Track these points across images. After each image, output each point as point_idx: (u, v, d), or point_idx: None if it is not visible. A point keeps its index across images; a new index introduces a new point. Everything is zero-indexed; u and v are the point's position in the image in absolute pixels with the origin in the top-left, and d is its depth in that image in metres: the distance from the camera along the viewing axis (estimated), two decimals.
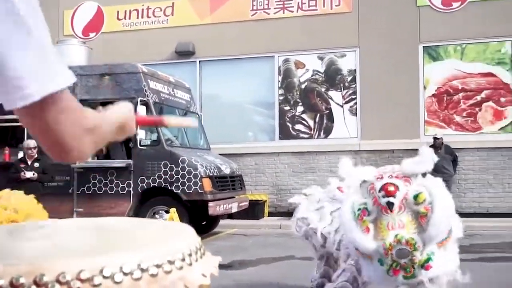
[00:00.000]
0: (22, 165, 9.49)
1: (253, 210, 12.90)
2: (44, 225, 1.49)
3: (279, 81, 14.18)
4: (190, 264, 1.17)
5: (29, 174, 9.25)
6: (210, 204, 9.82)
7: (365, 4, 13.49)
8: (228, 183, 10.74)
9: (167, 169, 9.93)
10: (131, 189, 10.02)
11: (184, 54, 14.67)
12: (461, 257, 8.19)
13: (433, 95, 13.30)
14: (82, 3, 15.60)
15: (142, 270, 1.07)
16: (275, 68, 14.21)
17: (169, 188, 9.89)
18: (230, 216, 12.52)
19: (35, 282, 0.98)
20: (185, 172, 9.86)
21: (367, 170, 4.11)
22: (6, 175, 9.33)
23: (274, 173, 13.81)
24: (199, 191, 9.82)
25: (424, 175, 4.03)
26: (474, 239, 10.08)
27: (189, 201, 9.93)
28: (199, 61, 14.71)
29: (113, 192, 9.92)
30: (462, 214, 12.94)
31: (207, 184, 9.92)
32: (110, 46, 14.53)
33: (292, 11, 14.03)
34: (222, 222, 11.81)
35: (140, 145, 10.03)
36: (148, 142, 10.25)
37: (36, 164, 9.52)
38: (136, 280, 1.05)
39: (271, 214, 13.62)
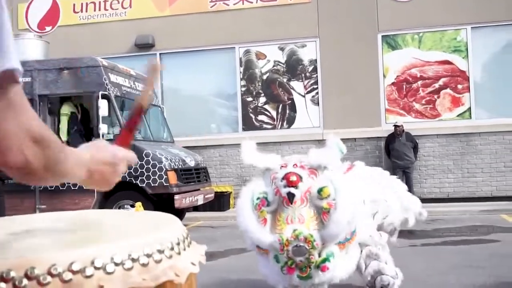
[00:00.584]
0: None
1: (219, 202, 12.88)
2: (25, 220, 1.47)
3: (240, 72, 14.17)
4: (179, 253, 1.17)
5: None
6: (176, 197, 9.77)
7: None
8: (193, 176, 10.70)
9: None
10: None
11: (144, 46, 14.51)
12: (424, 241, 8.38)
13: (393, 83, 13.49)
14: None
15: (133, 260, 1.06)
16: (236, 59, 14.18)
17: (134, 182, 9.80)
18: (196, 208, 12.47)
19: (26, 275, 0.97)
20: (149, 166, 9.78)
21: (271, 157, 3.84)
22: None
23: (238, 164, 13.81)
24: (165, 184, 9.76)
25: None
26: (436, 224, 10.29)
27: (154, 195, 9.86)
28: (159, 53, 14.57)
29: (76, 188, 9.77)
30: (424, 200, 13.20)
31: (172, 177, 9.87)
32: (68, 40, 14.26)
33: (251, 2, 14.01)
34: (188, 215, 11.78)
35: (103, 139, 9.89)
36: (111, 136, 10.10)
37: None
38: (127, 270, 1.05)
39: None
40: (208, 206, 12.48)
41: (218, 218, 12.21)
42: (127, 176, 9.81)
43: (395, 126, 12.53)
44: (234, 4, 14.15)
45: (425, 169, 13.12)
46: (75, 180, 1.22)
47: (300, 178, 3.54)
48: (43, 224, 1.40)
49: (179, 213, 11.09)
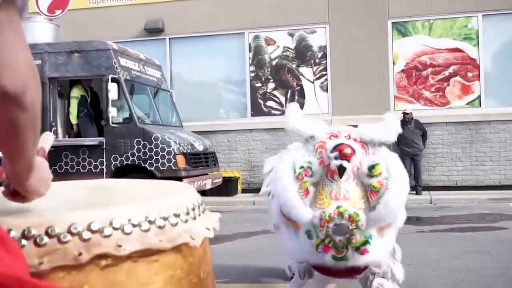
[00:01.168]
0: None
1: (226, 187, 12.94)
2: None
3: (249, 58, 14.14)
4: (194, 218, 1.20)
5: None
6: (184, 180, 9.79)
7: None
8: (201, 160, 10.74)
9: (140, 146, 9.89)
10: (104, 167, 9.95)
11: (154, 31, 14.50)
12: (432, 228, 8.39)
13: (402, 70, 13.43)
14: None
15: (150, 222, 1.09)
16: (246, 45, 14.15)
17: (143, 165, 9.85)
18: (204, 193, 12.53)
19: (46, 233, 1.00)
20: (158, 149, 9.82)
21: (318, 124, 3.49)
22: None
23: (246, 150, 13.84)
24: (173, 168, 9.81)
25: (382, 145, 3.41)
26: (444, 211, 10.30)
27: (163, 178, 9.90)
28: (169, 38, 14.56)
29: (85, 170, 9.84)
30: (432, 187, 13.18)
31: (181, 161, 9.91)
32: (78, 24, 14.27)
33: None
34: None
35: (112, 123, 9.95)
36: (120, 120, 10.16)
37: None
38: (144, 231, 1.08)
39: (244, 190, 13.67)
40: (216, 191, 12.54)
41: (226, 203, 12.26)
42: (136, 160, 9.86)
43: (404, 113, 12.49)
44: None
45: (434, 157, 13.09)
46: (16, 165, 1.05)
47: (354, 151, 3.22)
48: (65, 189, 1.43)
49: None
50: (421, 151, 12.61)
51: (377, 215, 3.11)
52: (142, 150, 9.88)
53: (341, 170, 3.15)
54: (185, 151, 10.11)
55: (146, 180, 1.56)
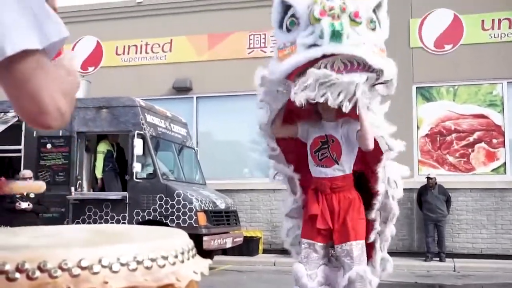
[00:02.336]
0: (18, 195, 9.52)
1: (248, 247, 12.89)
2: (46, 228, 1.58)
3: None
4: (182, 261, 1.26)
5: (24, 205, 9.27)
6: (205, 238, 9.84)
7: None
8: (223, 218, 10.78)
9: (162, 202, 9.99)
10: (126, 221, 10.04)
11: (182, 89, 14.86)
12: None
13: (427, 135, 13.46)
14: (82, 38, 15.84)
15: (138, 262, 1.15)
16: None
17: (164, 221, 9.92)
18: (224, 252, 12.51)
19: (39, 268, 1.07)
20: (180, 206, 9.91)
21: None
22: (2, 205, 9.36)
23: (269, 210, 13.84)
24: (194, 225, 9.86)
25: None
26: (468, 279, 10.11)
27: None
28: (196, 97, 14.89)
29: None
30: (456, 255, 12.90)
31: (202, 218, 9.96)
32: (109, 81, 14.71)
33: None
34: (216, 258, 11.79)
35: (136, 178, 10.10)
36: (144, 175, 10.31)
37: (32, 195, 9.54)
38: (132, 271, 1.14)
39: (265, 251, 13.59)
40: (237, 250, 12.51)
41: (246, 262, 12.19)
42: (157, 215, 9.94)
43: (428, 178, 12.43)
44: (271, 52, 14.41)
45: (458, 223, 12.92)
46: None
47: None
48: (67, 231, 1.51)
49: (207, 255, 11.13)
50: (445, 217, 12.46)
51: None
52: (164, 206, 9.97)
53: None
54: (206, 208, 10.18)
55: (147, 226, 1.64)
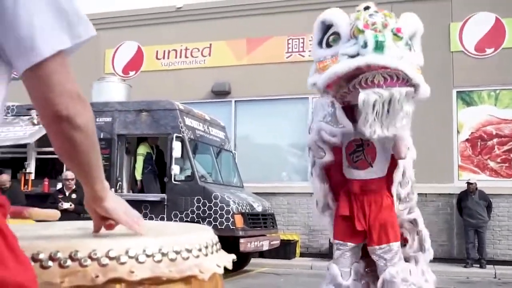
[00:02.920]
0: (60, 196, 9.78)
1: (285, 250, 12.92)
2: (79, 222, 1.67)
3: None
4: (206, 255, 1.32)
5: (66, 205, 9.51)
6: (241, 240, 9.90)
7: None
8: (260, 221, 10.83)
9: (200, 204, 10.10)
10: None
11: (220, 93, 15.00)
12: None
13: (467, 140, 13.26)
14: (123, 43, 16.15)
15: (163, 254, 1.23)
16: (309, 109, 14.37)
17: (202, 223, 10.01)
18: (261, 254, 12.57)
19: (70, 257, 1.15)
20: (217, 208, 10.00)
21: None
22: (45, 205, 9.61)
23: (306, 213, 13.84)
24: (231, 227, 9.94)
25: None
26: (508, 286, 9.94)
27: (220, 237, 9.95)
28: (235, 100, 15.01)
29: None
30: (497, 262, 12.66)
31: (239, 221, 10.03)
32: (149, 84, 14.95)
33: None
34: (253, 260, 11.84)
35: (175, 180, 10.25)
36: (183, 178, 10.45)
37: (73, 195, 9.80)
38: (157, 262, 1.21)
39: (302, 254, 13.60)
40: (274, 253, 12.55)
41: (284, 265, 12.22)
42: (195, 217, 10.06)
43: (468, 183, 12.24)
44: (309, 56, 14.43)
45: (499, 230, 12.68)
46: (91, 186, 1.32)
47: None
48: None
49: (245, 258, 11.21)
50: (486, 223, 12.24)
51: None
52: (202, 208, 10.08)
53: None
54: (243, 211, 10.25)
55: (176, 222, 1.72)
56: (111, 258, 1.16)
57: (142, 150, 10.93)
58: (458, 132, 13.33)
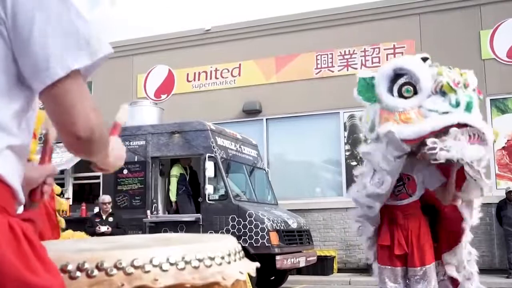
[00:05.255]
0: (97, 220, 9.93)
1: (322, 266, 12.84)
2: (111, 237, 1.73)
3: (345, 136, 14.31)
4: (229, 263, 1.36)
5: (103, 228, 9.65)
6: (278, 257, 9.88)
7: (430, 59, 13.46)
8: (295, 237, 10.80)
9: (235, 223, 10.13)
10: None
11: (251, 112, 15.09)
12: None
13: (503, 148, 13.05)
14: (154, 67, 16.42)
15: (186, 262, 1.27)
16: (341, 124, 14.36)
17: (237, 241, 10.02)
18: (299, 271, 12.51)
19: (97, 267, 1.20)
20: (252, 226, 10.02)
21: None
22: (83, 229, 9.77)
23: (342, 228, 13.75)
24: (266, 244, 9.93)
25: None
26: None
27: (256, 255, 10.02)
28: (266, 119, 15.08)
29: None
30: None
31: (274, 238, 10.02)
32: (181, 107, 15.14)
33: (356, 68, 14.25)
34: (290, 277, 11.80)
35: (209, 200, 10.31)
36: (216, 197, 10.51)
37: (110, 219, 9.94)
38: (180, 270, 1.25)
39: (340, 270, 13.50)
40: (311, 270, 12.48)
41: (322, 282, 12.14)
42: (230, 236, 10.07)
43: (508, 192, 12.02)
44: (338, 71, 14.48)
45: None
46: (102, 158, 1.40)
47: None
48: (127, 238, 1.65)
49: (282, 275, 11.18)
50: None
51: None
52: (237, 226, 10.11)
53: None
54: (278, 228, 10.24)
55: (201, 234, 1.76)
56: (136, 267, 1.21)
57: (176, 171, 11.05)
58: (494, 140, 13.08)
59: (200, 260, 1.28)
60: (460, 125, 3.97)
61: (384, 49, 14.29)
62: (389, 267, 4.53)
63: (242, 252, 1.46)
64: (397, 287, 4.52)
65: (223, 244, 1.40)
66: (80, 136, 1.17)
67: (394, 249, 4.51)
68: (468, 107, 3.98)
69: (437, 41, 13.50)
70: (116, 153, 1.44)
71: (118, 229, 9.90)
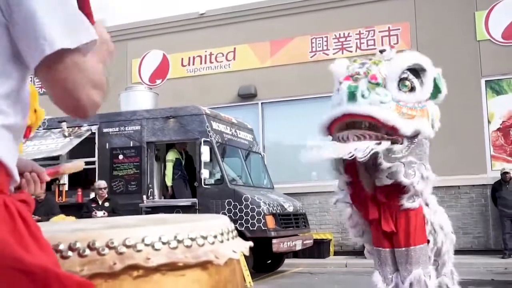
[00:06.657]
0: (94, 205, 9.94)
1: (318, 249, 12.91)
2: (105, 218, 1.72)
3: None
4: (222, 242, 1.36)
5: (99, 213, 9.66)
6: (274, 241, 9.92)
7: (424, 42, 13.44)
8: (291, 221, 10.83)
9: (231, 207, 10.15)
10: None
11: (247, 96, 15.06)
12: None
13: (498, 129, 13.06)
14: (148, 52, 16.34)
15: (178, 241, 1.26)
16: None
17: (234, 225, 10.06)
18: (295, 255, 12.57)
19: (88, 246, 1.20)
20: (248, 210, 10.04)
21: None
22: (79, 214, 9.78)
23: (338, 211, 13.74)
24: (263, 228, 9.96)
25: None
26: None
27: (253, 238, 10.05)
28: (261, 103, 15.05)
29: None
30: None
31: (271, 221, 10.05)
32: (176, 91, 15.09)
33: (351, 51, 14.23)
34: (287, 260, 11.85)
35: (205, 184, 10.32)
36: (212, 181, 10.51)
37: (106, 204, 9.96)
38: (172, 249, 1.25)
39: (336, 253, 13.56)
40: (308, 253, 12.54)
41: (318, 265, 12.19)
42: None
43: (504, 172, 12.06)
44: (333, 54, 14.42)
45: None
46: None
47: None
48: (120, 219, 1.65)
49: (278, 258, 11.23)
50: None
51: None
52: (233, 210, 10.13)
53: None
54: (274, 211, 10.26)
55: (194, 214, 1.76)
56: (127, 246, 1.21)
57: (171, 156, 11.04)
58: (489, 122, 13.14)
59: (192, 239, 1.28)
60: (345, 116, 3.83)
61: (379, 32, 14.24)
62: (381, 248, 4.45)
63: (235, 231, 1.46)
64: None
65: (216, 223, 1.39)
66: (86, 116, 1.22)
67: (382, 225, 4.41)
68: (350, 97, 3.80)
69: (432, 23, 13.47)
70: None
71: (114, 214, 9.91)
